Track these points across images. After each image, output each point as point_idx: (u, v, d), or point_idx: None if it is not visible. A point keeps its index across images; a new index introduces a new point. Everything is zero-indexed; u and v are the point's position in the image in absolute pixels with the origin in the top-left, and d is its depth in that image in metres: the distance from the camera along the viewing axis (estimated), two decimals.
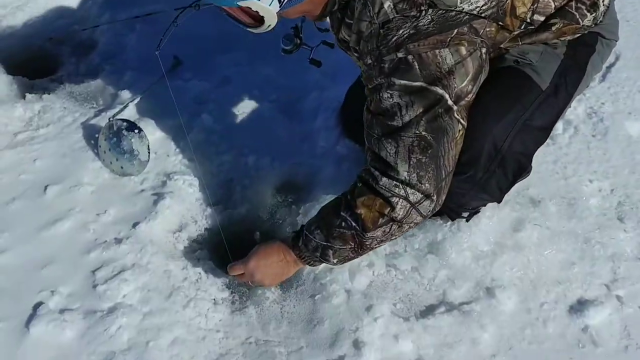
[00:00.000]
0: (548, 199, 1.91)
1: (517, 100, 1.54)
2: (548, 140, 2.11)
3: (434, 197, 1.44)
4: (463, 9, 1.30)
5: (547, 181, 1.99)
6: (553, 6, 1.51)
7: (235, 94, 2.36)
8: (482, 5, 1.33)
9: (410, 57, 1.31)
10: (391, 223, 1.45)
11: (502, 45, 1.53)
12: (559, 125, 2.16)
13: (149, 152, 1.99)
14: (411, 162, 1.39)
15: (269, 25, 1.38)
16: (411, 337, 1.56)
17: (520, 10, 1.44)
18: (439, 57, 1.31)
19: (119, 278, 1.68)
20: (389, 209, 1.42)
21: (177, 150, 2.10)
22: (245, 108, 2.29)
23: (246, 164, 2.07)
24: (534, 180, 1.97)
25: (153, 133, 2.13)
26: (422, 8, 1.29)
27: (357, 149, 2.10)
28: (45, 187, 1.97)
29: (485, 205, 1.75)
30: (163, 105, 2.29)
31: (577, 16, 1.55)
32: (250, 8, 1.31)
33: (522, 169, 1.61)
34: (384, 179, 1.41)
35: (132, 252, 1.75)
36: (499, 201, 1.70)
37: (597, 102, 2.28)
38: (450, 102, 1.35)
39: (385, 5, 1.30)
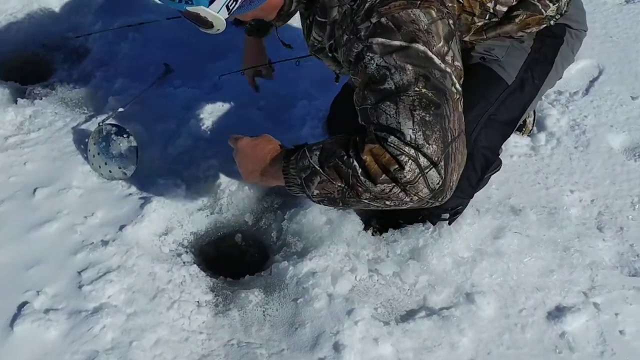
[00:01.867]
0: (529, 208, 1.94)
1: (482, 95, 1.58)
2: (530, 151, 2.18)
3: (441, 165, 1.28)
4: None
5: (528, 191, 2.02)
6: None
7: (224, 101, 2.40)
8: None
9: (383, 19, 1.31)
10: (393, 184, 1.28)
11: (467, 39, 1.58)
12: (542, 137, 2.21)
13: (137, 157, 2.02)
14: (415, 119, 1.27)
15: (218, 30, 1.40)
16: (391, 340, 1.58)
17: None
18: (412, 15, 1.31)
19: (104, 279, 1.70)
20: (396, 166, 1.27)
21: (165, 155, 2.13)
22: (233, 115, 2.33)
23: (233, 170, 2.09)
24: (516, 190, 2.02)
25: (142, 138, 2.16)
26: None
27: None
28: (35, 190, 1.99)
29: (463, 205, 1.78)
30: (152, 111, 2.34)
31: (540, 7, 1.61)
32: (199, 14, 1.33)
33: (490, 163, 1.67)
34: (392, 137, 1.28)
35: (118, 254, 1.77)
36: (471, 196, 1.75)
37: (580, 114, 2.32)
38: (436, 59, 1.30)
39: None
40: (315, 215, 1.88)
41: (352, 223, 1.86)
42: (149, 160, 2.11)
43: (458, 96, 1.33)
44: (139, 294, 1.69)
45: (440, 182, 1.29)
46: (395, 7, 1.30)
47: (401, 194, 1.29)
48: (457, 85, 1.33)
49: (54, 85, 2.57)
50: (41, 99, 2.44)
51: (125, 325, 1.61)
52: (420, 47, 1.30)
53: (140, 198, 1.97)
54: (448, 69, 1.32)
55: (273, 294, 1.73)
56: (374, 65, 1.31)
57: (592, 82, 2.48)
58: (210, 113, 2.32)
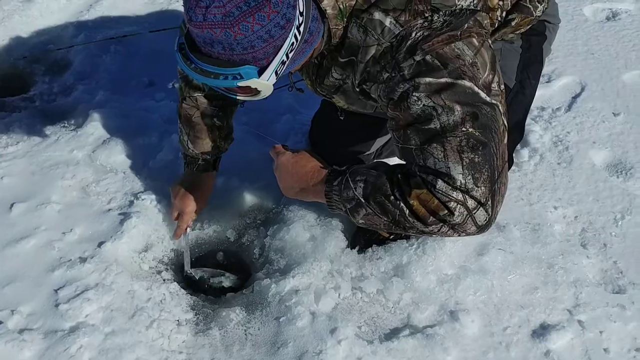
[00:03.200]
0: (512, 224, 1.94)
1: None
2: (514, 167, 2.18)
3: (489, 204, 1.32)
4: (462, 6, 1.33)
5: (511, 207, 2.02)
6: (509, 2, 1.60)
7: None
8: (470, 4, 1.37)
9: (428, 57, 1.28)
10: (442, 224, 1.33)
11: None
12: (525, 153, 2.21)
13: None
14: (464, 163, 1.28)
15: (264, 96, 1.34)
16: None
17: (494, 1, 1.51)
18: (456, 50, 1.28)
19: (82, 297, 1.66)
20: (446, 212, 1.30)
21: (146, 169, 2.09)
22: None
23: (215, 185, 2.07)
24: None
25: (123, 152, 2.13)
26: (426, 15, 1.30)
27: None
28: (12, 205, 1.95)
29: None
30: (134, 124, 2.30)
31: (531, 8, 1.64)
32: (250, 86, 1.26)
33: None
34: (440, 182, 1.29)
35: (96, 272, 1.74)
36: None
37: (563, 130, 2.33)
38: (483, 94, 1.29)
39: (387, 23, 1.30)
40: (299, 232, 1.86)
41: (335, 240, 1.84)
42: (129, 175, 2.07)
43: (503, 127, 1.35)
44: (118, 313, 1.65)
45: (487, 219, 1.34)
46: (439, 42, 1.28)
47: (449, 231, 1.35)
48: (504, 118, 1.35)
49: (34, 98, 2.53)
50: (20, 111, 2.40)
51: (103, 345, 1.57)
52: (467, 83, 1.29)
53: (120, 214, 1.93)
54: (494, 100, 1.32)
55: (255, 313, 1.70)
56: (420, 105, 1.30)
57: (575, 98, 2.50)
58: None
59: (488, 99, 1.30)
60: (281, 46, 1.20)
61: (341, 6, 1.30)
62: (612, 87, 2.55)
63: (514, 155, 2.12)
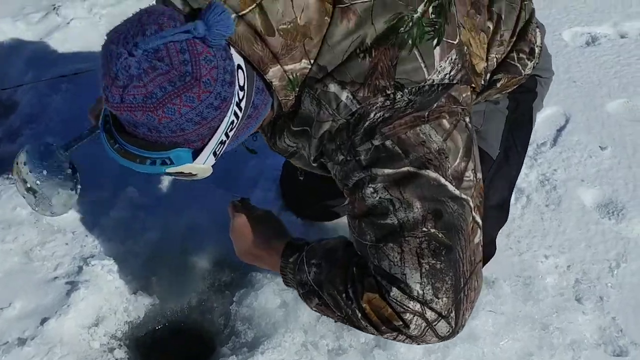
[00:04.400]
0: (502, 279, 1.78)
1: None
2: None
3: (452, 315, 1.12)
4: (434, 80, 1.10)
5: (500, 257, 1.85)
6: (495, 61, 1.39)
7: None
8: (450, 71, 1.13)
9: (388, 142, 1.08)
10: (397, 334, 1.16)
11: None
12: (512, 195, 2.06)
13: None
14: (423, 270, 1.09)
15: (203, 177, 1.14)
16: None
17: (480, 66, 1.28)
18: (422, 135, 1.09)
19: None
20: (401, 324, 1.13)
21: (97, 229, 1.89)
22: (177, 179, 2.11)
23: (175, 242, 1.88)
24: None
25: (72, 209, 1.92)
26: (388, 92, 1.08)
27: (299, 223, 1.95)
28: None
29: None
30: (85, 175, 2.09)
31: (520, 67, 1.43)
32: (182, 172, 1.06)
33: (487, 258, 1.48)
34: (395, 290, 1.11)
35: (37, 355, 1.53)
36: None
37: (550, 168, 2.19)
38: (451, 187, 1.10)
39: (343, 97, 1.08)
40: (268, 297, 1.68)
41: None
42: (78, 236, 1.86)
43: (474, 225, 1.15)
44: None
45: (451, 330, 1.15)
46: (402, 126, 1.08)
47: (407, 340, 1.18)
48: (475, 214, 1.15)
49: None
50: None
51: None
52: (432, 174, 1.09)
53: (68, 283, 1.72)
54: (464, 195, 1.12)
55: None
56: (377, 197, 1.11)
57: (560, 131, 2.36)
58: (151, 177, 2.09)
59: (457, 192, 1.11)
60: (218, 127, 1.00)
61: (291, 76, 1.09)
62: (597, 117, 2.42)
63: None
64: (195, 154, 1.02)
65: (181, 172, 1.05)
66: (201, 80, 0.92)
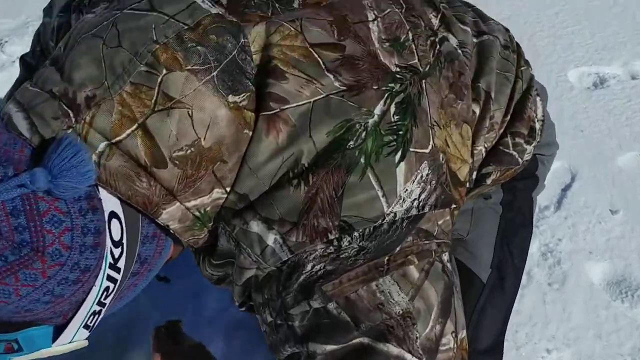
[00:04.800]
0: None
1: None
2: None
3: None
4: (396, 214, 0.78)
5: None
6: (483, 152, 1.08)
7: None
8: (420, 195, 0.81)
9: (331, 305, 0.78)
10: None
11: None
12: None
13: None
14: None
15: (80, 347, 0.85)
16: None
17: (464, 171, 0.94)
18: (379, 294, 0.78)
19: None
20: None
21: None
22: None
23: (106, 337, 1.61)
24: None
25: None
26: (331, 237, 0.77)
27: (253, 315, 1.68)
28: None
29: None
30: None
31: (516, 156, 1.12)
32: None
33: None
34: None
35: None
36: None
37: (553, 237, 1.92)
38: None
39: (270, 242, 0.78)
40: None
41: None
42: None
43: None
44: None
45: None
46: (350, 281, 0.78)
47: None
48: None
49: None
50: None
51: None
52: (393, 349, 0.78)
53: None
54: None
55: None
56: None
57: (565, 191, 2.10)
58: None
59: None
60: (84, 299, 0.72)
61: (198, 213, 0.80)
62: (607, 173, 2.16)
63: None
64: (58, 330, 0.74)
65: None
66: (45, 251, 0.65)
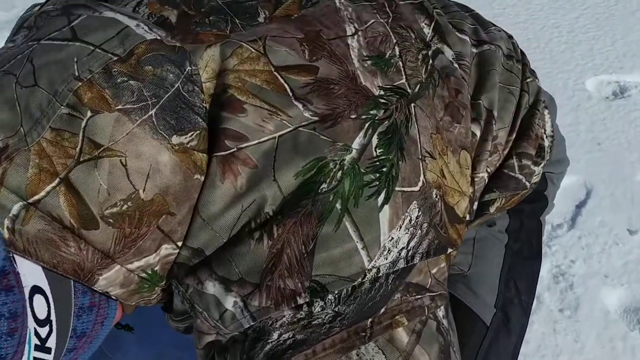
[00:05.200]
0: None
1: None
2: None
3: None
4: (379, 270, 0.65)
5: None
6: (486, 178, 0.95)
7: None
8: (409, 241, 0.68)
9: None
10: None
11: None
12: None
13: None
14: None
15: None
16: None
17: (462, 205, 0.81)
18: None
19: None
20: None
21: None
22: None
23: None
24: None
25: None
26: (301, 301, 0.64)
27: None
28: None
29: None
30: None
31: (523, 179, 1.00)
32: None
33: None
34: None
35: None
36: None
37: (566, 259, 1.78)
38: None
39: (229, 306, 0.66)
40: None
41: None
42: None
43: None
44: None
45: None
46: (326, 351, 0.65)
47: None
48: None
49: None
50: None
51: None
52: None
53: None
54: None
55: None
56: None
57: (579, 208, 1.95)
58: None
59: None
60: None
61: (144, 274, 0.67)
62: (625, 190, 2.01)
63: None
64: None
65: None
66: None
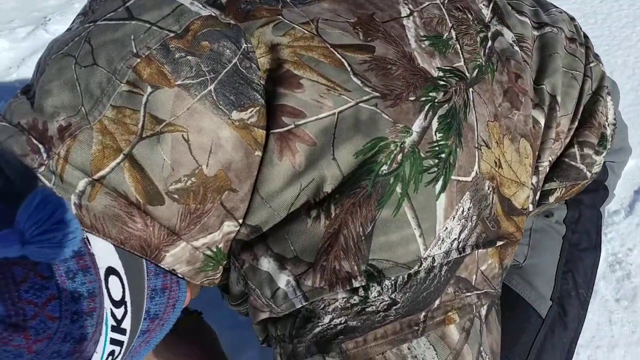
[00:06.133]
0: None
1: None
2: None
3: None
4: (434, 259, 0.65)
5: None
6: (547, 167, 0.93)
7: None
8: (460, 233, 0.67)
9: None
10: None
11: None
12: None
13: None
14: None
15: None
16: None
17: (520, 198, 0.78)
18: (410, 358, 0.65)
19: None
20: None
21: None
22: None
23: None
24: None
25: None
26: (356, 285, 0.63)
27: None
28: None
29: None
30: None
31: (584, 169, 0.97)
32: None
33: None
34: None
35: None
36: None
37: (623, 247, 1.72)
38: None
39: (282, 284, 0.66)
40: None
41: None
42: None
43: None
44: None
45: None
46: (377, 341, 0.65)
47: None
48: None
49: None
50: None
51: None
52: None
53: None
54: None
55: None
56: None
57: (638, 194, 1.88)
58: None
59: None
60: None
61: (209, 252, 0.68)
62: None
63: None
64: None
65: None
66: (27, 325, 0.54)
